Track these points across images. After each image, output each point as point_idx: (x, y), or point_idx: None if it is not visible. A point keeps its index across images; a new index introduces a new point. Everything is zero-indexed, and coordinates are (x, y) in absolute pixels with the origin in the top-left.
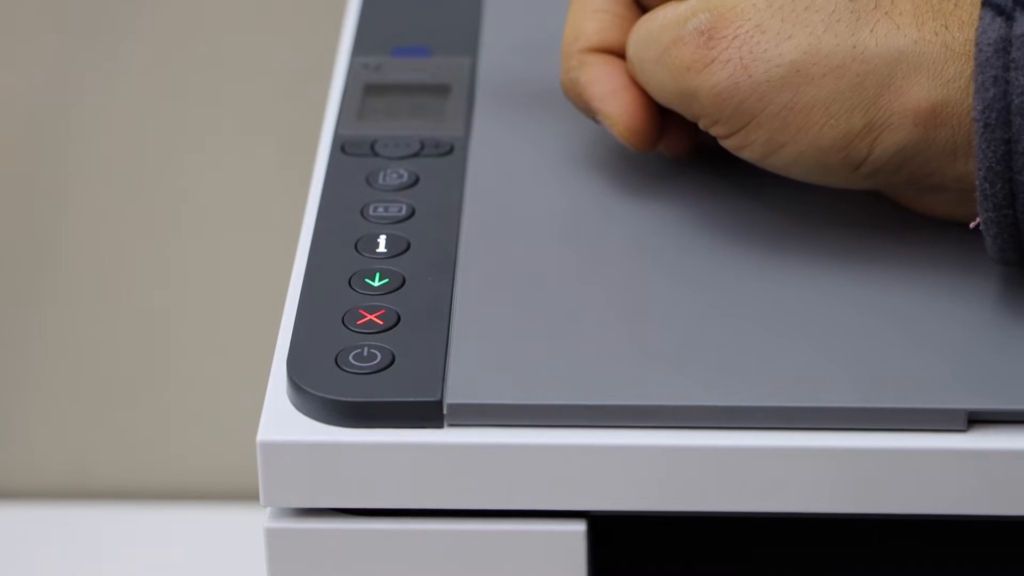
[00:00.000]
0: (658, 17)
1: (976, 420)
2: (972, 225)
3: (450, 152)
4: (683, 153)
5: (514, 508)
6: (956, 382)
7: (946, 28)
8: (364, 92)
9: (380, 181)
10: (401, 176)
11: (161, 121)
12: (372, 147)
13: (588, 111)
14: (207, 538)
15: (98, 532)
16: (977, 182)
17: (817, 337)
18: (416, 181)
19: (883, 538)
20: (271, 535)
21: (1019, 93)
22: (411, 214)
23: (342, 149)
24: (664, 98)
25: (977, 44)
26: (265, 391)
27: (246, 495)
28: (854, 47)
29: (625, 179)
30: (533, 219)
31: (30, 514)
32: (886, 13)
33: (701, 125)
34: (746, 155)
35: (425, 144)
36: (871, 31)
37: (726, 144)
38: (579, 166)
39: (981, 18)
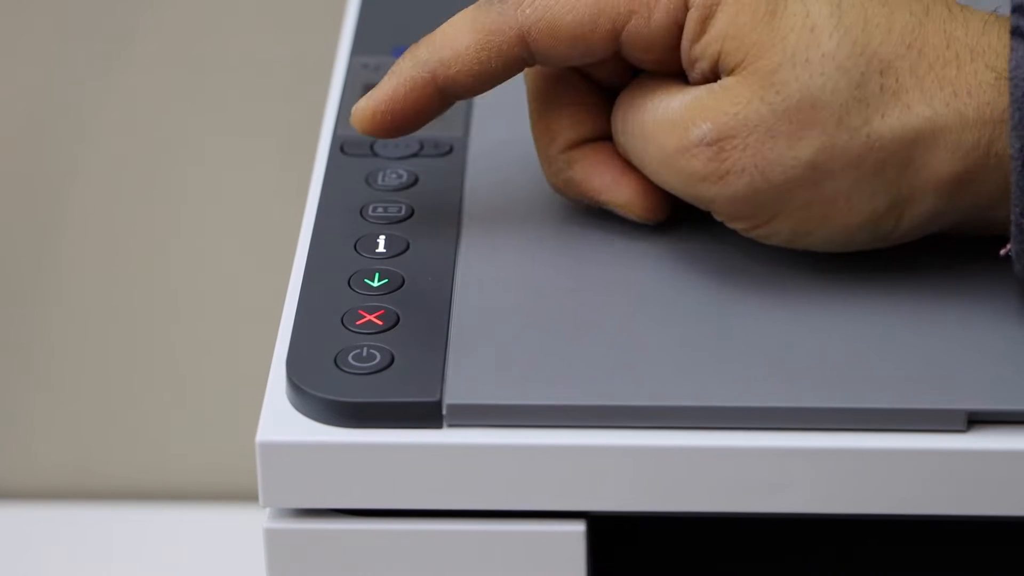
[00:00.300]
0: (647, 111)
1: (976, 420)
2: (1002, 252)
3: (449, 152)
4: (654, 219)
5: (514, 508)
6: (956, 382)
7: (956, 96)
8: (364, 92)
9: (379, 181)
10: (400, 176)
11: (161, 121)
12: (371, 147)
13: (592, 203)
14: (207, 538)
15: (98, 532)
16: (1012, 216)
17: (817, 338)
18: (415, 181)
19: (883, 538)
20: (270, 535)
21: None
22: (410, 214)
23: (341, 149)
24: (675, 193)
25: (1011, 79)
26: (265, 391)
27: (246, 495)
28: (868, 136)
29: None
30: (532, 219)
31: (30, 514)
32: (894, 94)
33: (718, 218)
34: (771, 243)
35: (424, 144)
36: (882, 117)
37: (749, 235)
38: None
39: (1013, 49)
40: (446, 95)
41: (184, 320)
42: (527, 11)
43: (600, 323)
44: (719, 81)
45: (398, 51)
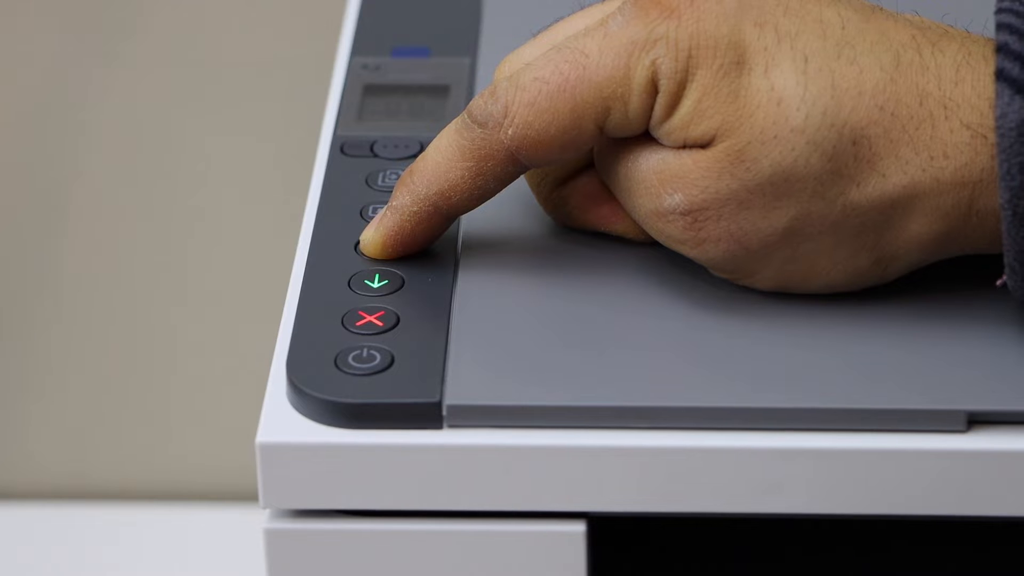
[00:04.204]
0: (621, 162)
1: (976, 420)
2: (998, 283)
3: None
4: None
5: (514, 509)
6: (956, 382)
7: (932, 160)
8: (364, 93)
9: (380, 182)
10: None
11: (161, 121)
12: (371, 148)
13: (594, 230)
14: (207, 538)
15: (98, 532)
16: (1006, 261)
17: (817, 338)
18: None
19: (883, 538)
20: (270, 536)
21: None
22: None
23: (341, 150)
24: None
25: (998, 128)
26: (265, 392)
27: (246, 495)
28: (845, 205)
29: None
30: (532, 220)
31: (30, 514)
32: (868, 162)
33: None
34: (759, 289)
35: (424, 145)
36: (858, 186)
37: (733, 282)
38: None
39: (999, 95)
40: (450, 218)
41: (184, 320)
42: (510, 131)
43: (600, 324)
44: (690, 151)
45: (398, 52)
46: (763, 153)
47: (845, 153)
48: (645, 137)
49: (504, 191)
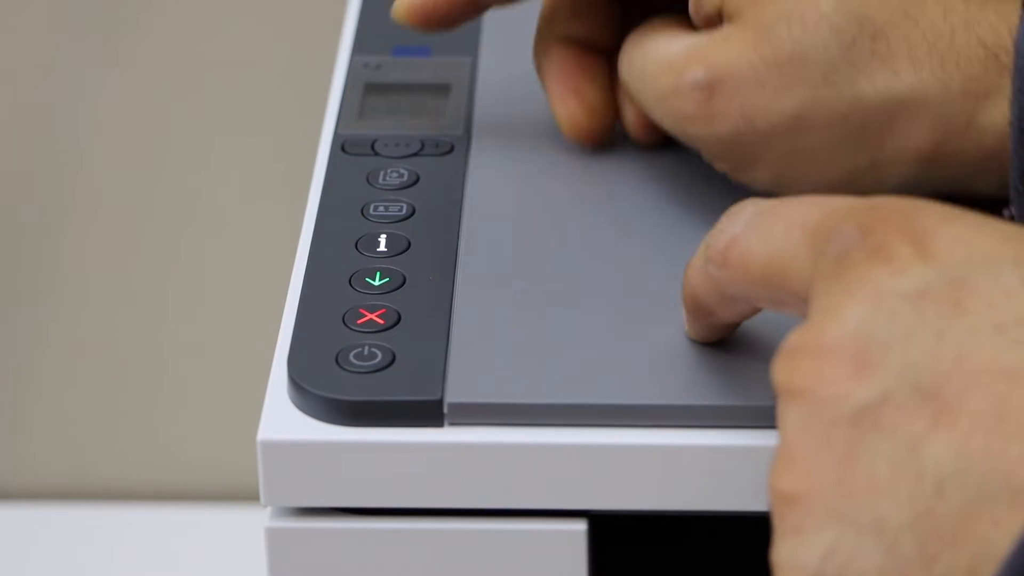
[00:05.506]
0: (649, 52)
1: None
2: (1005, 213)
3: (450, 151)
4: (653, 145)
5: (514, 508)
6: None
7: (943, 67)
8: (364, 91)
9: (380, 180)
10: (401, 175)
11: (161, 121)
12: (372, 146)
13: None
14: (207, 538)
15: (98, 532)
16: (1011, 182)
17: None
18: (416, 180)
19: None
20: (271, 535)
21: None
22: (411, 213)
23: (342, 148)
24: (665, 129)
25: (1016, 48)
26: (265, 391)
27: (246, 495)
28: (853, 96)
29: (627, 178)
30: (533, 218)
31: (30, 514)
32: (883, 59)
33: (704, 157)
34: (755, 188)
35: (425, 143)
36: (869, 80)
37: (732, 177)
38: (579, 165)
39: (1022, 19)
40: (479, 5)
41: (184, 320)
42: None
43: (602, 321)
44: (719, 29)
45: (398, 50)
46: (787, 32)
47: (863, 46)
48: (683, 26)
49: (504, 190)
